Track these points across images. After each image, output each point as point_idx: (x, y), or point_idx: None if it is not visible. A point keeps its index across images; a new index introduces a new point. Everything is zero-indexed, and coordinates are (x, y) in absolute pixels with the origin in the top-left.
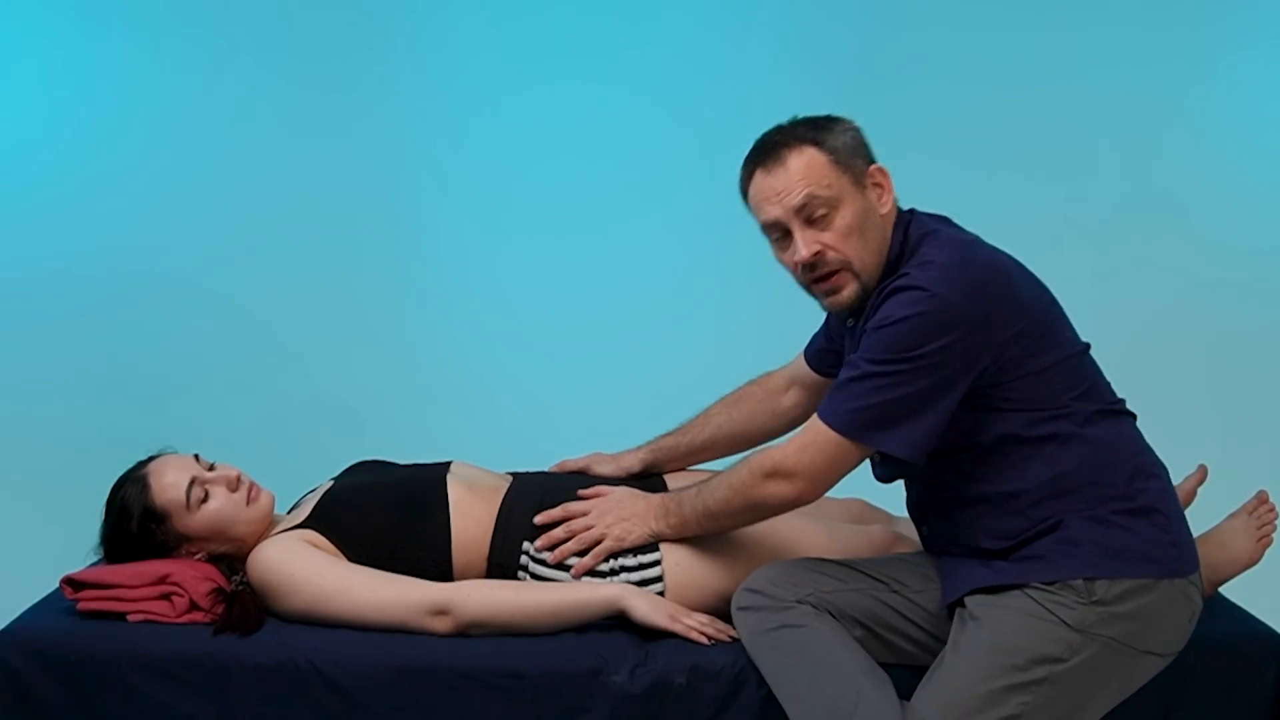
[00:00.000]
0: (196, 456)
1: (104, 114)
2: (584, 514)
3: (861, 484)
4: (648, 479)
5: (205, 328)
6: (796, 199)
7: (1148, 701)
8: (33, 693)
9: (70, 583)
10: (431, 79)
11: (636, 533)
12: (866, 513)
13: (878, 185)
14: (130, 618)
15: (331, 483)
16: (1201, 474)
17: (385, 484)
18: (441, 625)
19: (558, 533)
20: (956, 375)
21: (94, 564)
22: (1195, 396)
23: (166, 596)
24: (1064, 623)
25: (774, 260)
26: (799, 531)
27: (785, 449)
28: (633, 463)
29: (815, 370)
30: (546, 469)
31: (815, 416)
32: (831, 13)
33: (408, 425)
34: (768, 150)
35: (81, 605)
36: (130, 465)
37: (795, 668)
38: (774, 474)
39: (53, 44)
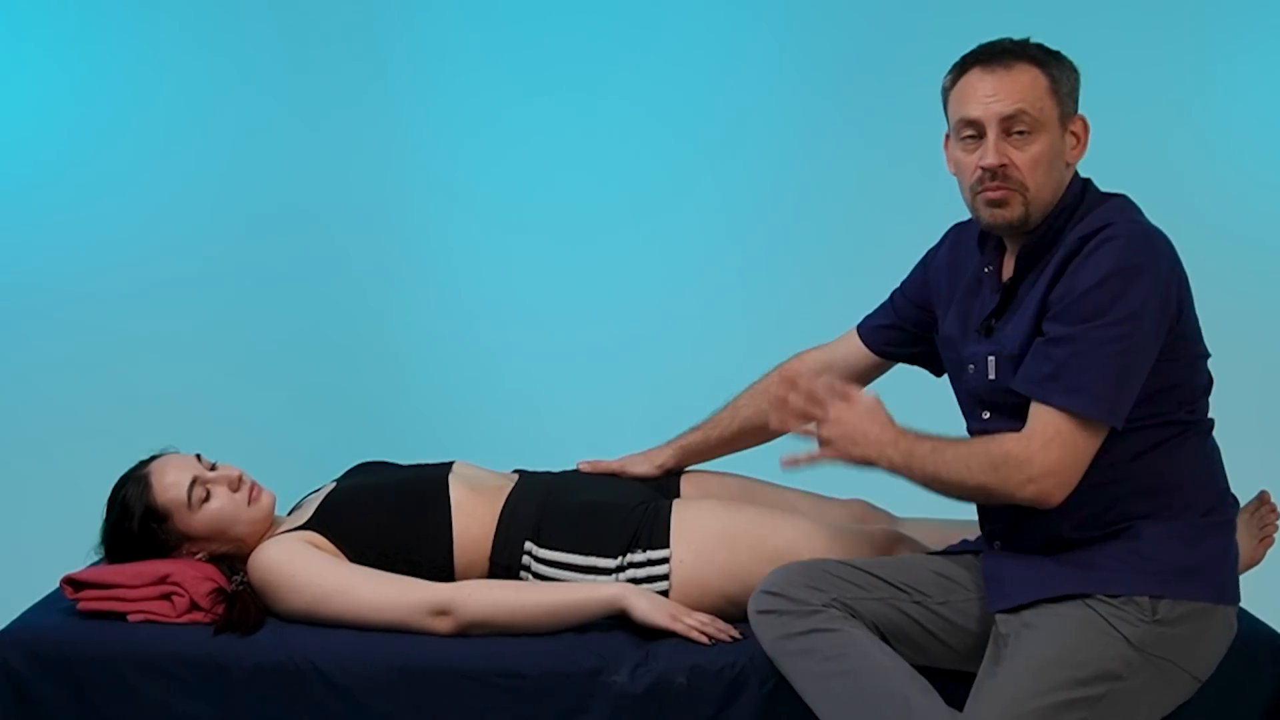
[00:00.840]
0: (198, 456)
1: (102, 117)
2: (824, 406)
3: (862, 484)
4: (665, 482)
5: (206, 328)
6: (1008, 108)
7: None
8: (33, 693)
9: (70, 583)
10: (432, 84)
11: (852, 454)
12: (869, 514)
13: (1075, 135)
14: (130, 618)
15: (334, 484)
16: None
17: (387, 484)
18: (442, 625)
19: (796, 400)
20: (1161, 333)
21: (94, 564)
22: None
23: (167, 596)
24: (1125, 639)
25: (773, 259)
26: (802, 533)
27: (1027, 444)
28: (665, 458)
29: (871, 348)
30: (560, 469)
31: (1041, 405)
32: (831, 18)
33: (410, 427)
34: (996, 53)
35: (81, 605)
36: (132, 465)
37: (832, 674)
38: (1019, 475)
39: (53, 51)
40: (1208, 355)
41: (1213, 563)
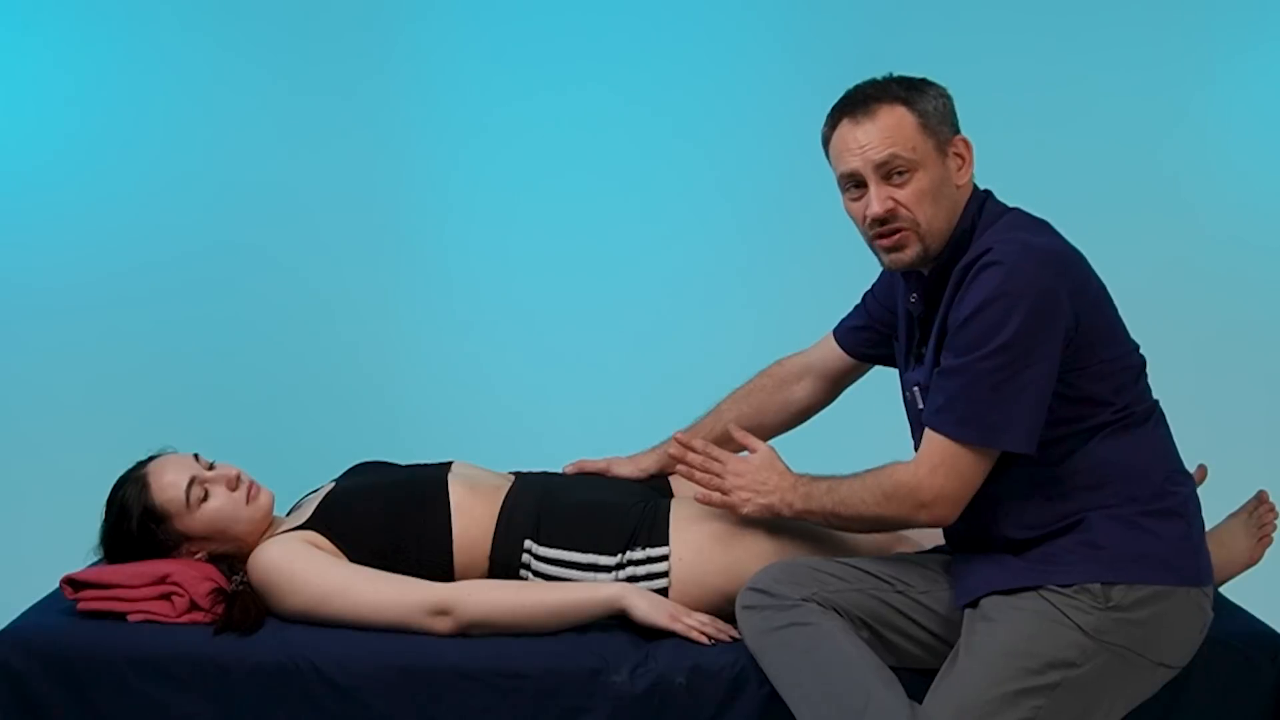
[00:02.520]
0: (196, 456)
1: (103, 116)
2: (722, 463)
3: None
4: (659, 482)
5: (206, 328)
6: (880, 155)
7: (1148, 701)
8: (33, 693)
9: (70, 583)
10: (432, 82)
11: (756, 505)
12: None
13: (959, 156)
14: (130, 618)
15: (333, 484)
16: (1201, 474)
17: (386, 484)
18: (442, 625)
19: (695, 459)
20: (1053, 352)
21: (94, 564)
22: (1195, 396)
23: (167, 596)
24: (1079, 627)
25: (774, 259)
26: (801, 532)
27: (915, 471)
28: (650, 464)
29: (845, 349)
30: (559, 470)
31: (932, 432)
32: (831, 17)
33: (410, 426)
34: (859, 101)
35: (81, 605)
36: (130, 465)
37: (803, 667)
38: (911, 502)
39: (53, 47)
40: (1134, 348)
41: (1165, 546)
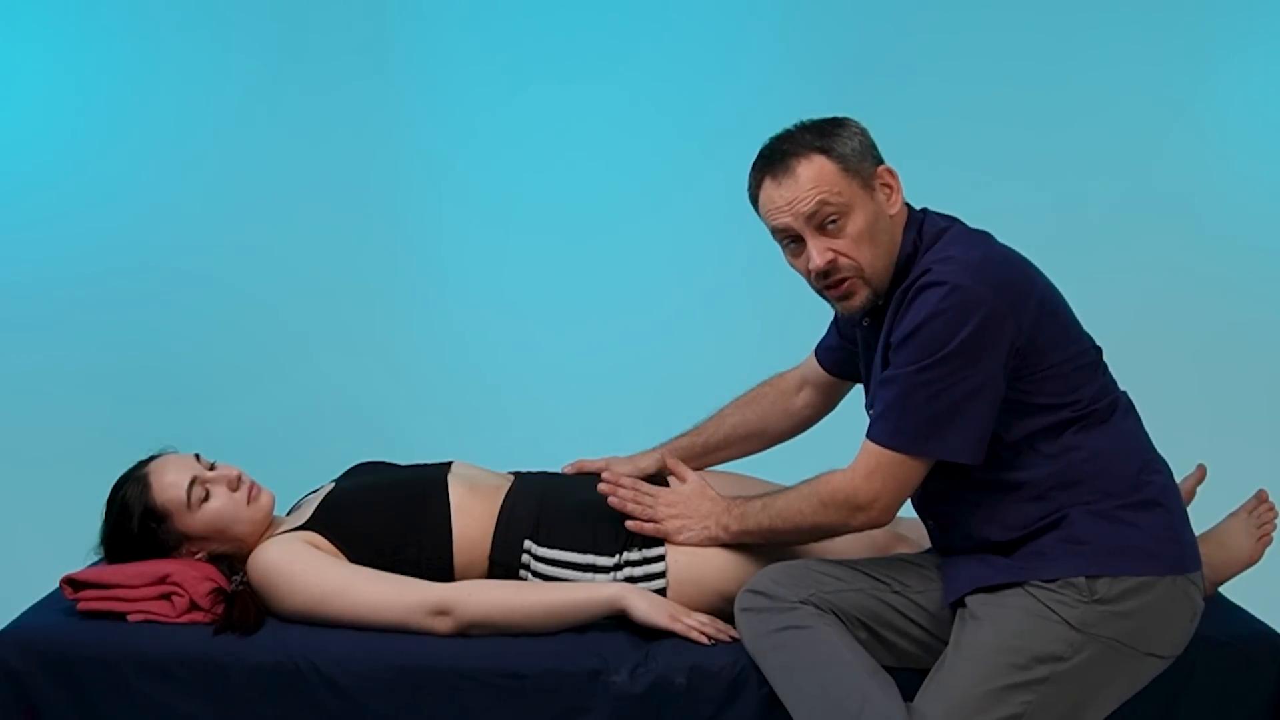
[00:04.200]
0: (197, 456)
1: (103, 114)
2: (653, 495)
3: None
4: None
5: (206, 328)
6: (807, 207)
7: (1148, 701)
8: (33, 693)
9: (70, 583)
10: (432, 79)
11: (692, 531)
12: None
13: (886, 186)
14: (130, 618)
15: (333, 485)
16: (1201, 473)
17: (386, 484)
18: (442, 625)
19: (624, 494)
20: (994, 366)
21: (94, 564)
22: (1195, 395)
23: (166, 596)
24: (1065, 621)
25: (775, 259)
26: None
27: (851, 477)
28: (649, 464)
29: (824, 368)
30: (558, 469)
31: (869, 441)
32: (831, 15)
33: (410, 426)
34: (776, 159)
35: (81, 605)
36: (131, 465)
37: (800, 669)
38: (847, 506)
39: (52, 45)
40: (1089, 344)
41: (1147, 537)
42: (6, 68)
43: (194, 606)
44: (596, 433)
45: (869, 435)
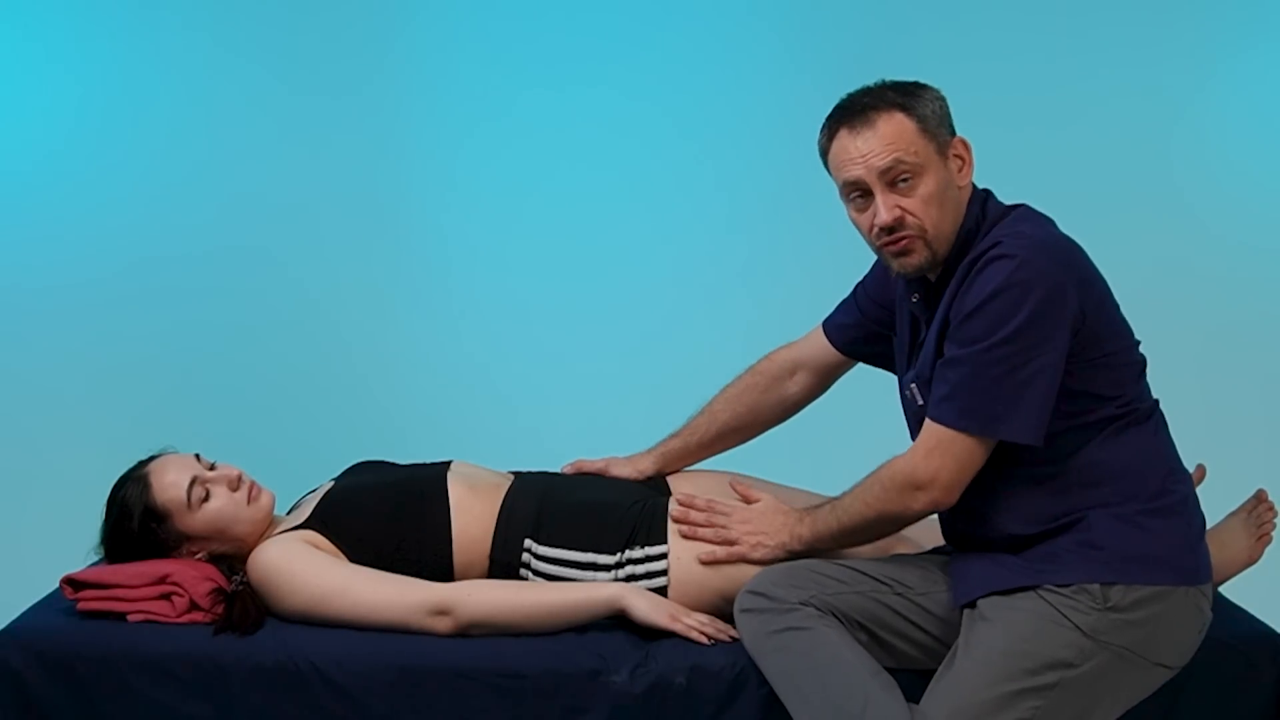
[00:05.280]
0: (197, 456)
1: (102, 116)
2: (727, 514)
3: None
4: (657, 481)
5: (206, 328)
6: (883, 162)
7: (1148, 701)
8: (33, 693)
9: (70, 583)
10: (433, 81)
11: (767, 548)
12: None
13: (959, 157)
14: (130, 618)
15: (332, 483)
16: (1200, 474)
17: (386, 484)
18: (442, 625)
19: (699, 516)
20: (1060, 344)
21: (94, 564)
22: (1195, 395)
23: (166, 596)
24: (1077, 627)
25: (774, 259)
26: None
27: (913, 459)
28: (648, 465)
29: (835, 345)
30: (558, 469)
31: (932, 422)
32: (832, 16)
33: (410, 426)
34: (855, 111)
35: (81, 605)
36: (131, 465)
37: (801, 671)
38: (907, 486)
39: (53, 47)
40: (1136, 344)
41: (1165, 545)
42: (6, 68)
43: (194, 606)
44: (596, 433)
45: (933, 416)
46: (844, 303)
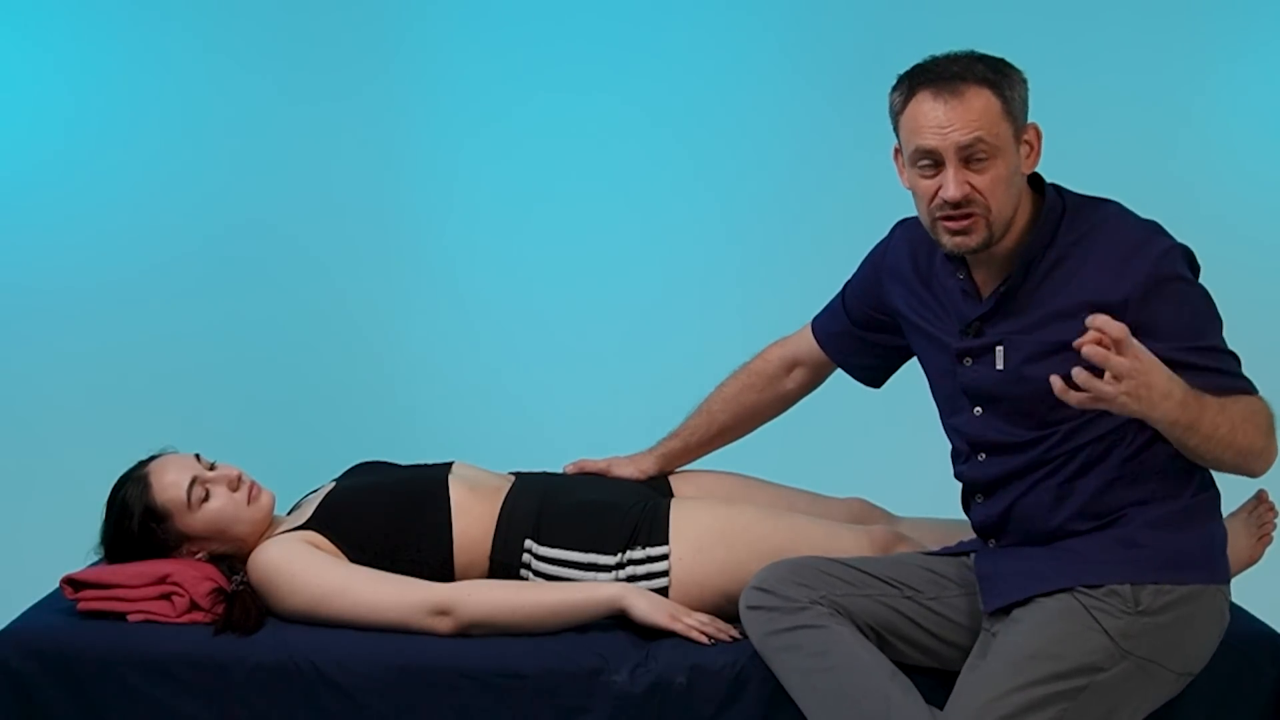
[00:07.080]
0: (197, 456)
1: (102, 117)
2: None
3: (862, 484)
4: (659, 481)
5: (206, 328)
6: (965, 138)
7: None
8: (33, 693)
9: (70, 583)
10: (431, 86)
11: (1150, 397)
12: (867, 512)
13: (1028, 144)
14: (130, 618)
15: (333, 484)
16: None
17: (387, 484)
18: (443, 625)
19: (1098, 351)
20: None
21: (94, 564)
22: None
23: (167, 596)
24: (1106, 632)
25: (772, 259)
26: (800, 531)
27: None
28: (650, 465)
29: (829, 355)
30: (559, 469)
31: (1250, 397)
32: (831, 22)
33: (410, 426)
34: (945, 78)
35: (81, 605)
36: (131, 465)
37: (816, 670)
38: (1272, 431)
39: (55, 51)
40: None
41: (1197, 544)
42: (6, 68)
43: (194, 606)
44: (596, 432)
45: (1241, 388)
46: (831, 308)
